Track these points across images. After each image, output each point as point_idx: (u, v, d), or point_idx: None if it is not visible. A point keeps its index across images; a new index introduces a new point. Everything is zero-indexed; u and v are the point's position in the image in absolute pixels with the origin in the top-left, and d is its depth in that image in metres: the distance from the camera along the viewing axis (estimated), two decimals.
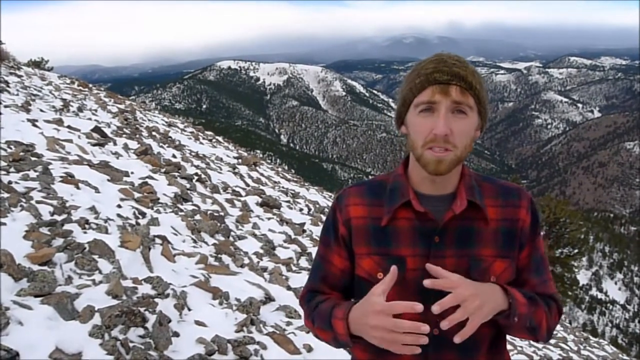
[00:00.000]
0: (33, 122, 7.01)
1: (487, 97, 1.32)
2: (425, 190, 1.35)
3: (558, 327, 12.14)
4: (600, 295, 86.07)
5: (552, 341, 9.46)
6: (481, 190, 1.36)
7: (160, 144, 9.43)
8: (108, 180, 5.39)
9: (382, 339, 1.16)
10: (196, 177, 7.44)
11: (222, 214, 6.19)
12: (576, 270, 21.44)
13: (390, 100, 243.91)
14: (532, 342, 8.03)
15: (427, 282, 1.19)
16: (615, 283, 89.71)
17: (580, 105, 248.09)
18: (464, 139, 1.26)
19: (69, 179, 4.79)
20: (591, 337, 15.29)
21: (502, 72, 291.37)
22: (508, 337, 1.52)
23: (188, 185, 6.79)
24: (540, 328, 1.33)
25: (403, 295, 1.28)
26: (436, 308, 1.15)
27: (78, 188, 4.66)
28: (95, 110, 10.70)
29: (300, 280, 4.85)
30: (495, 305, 1.22)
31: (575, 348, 10.11)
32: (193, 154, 10.04)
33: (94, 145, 7.13)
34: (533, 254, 1.38)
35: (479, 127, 1.33)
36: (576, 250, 20.51)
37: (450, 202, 1.33)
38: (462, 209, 1.30)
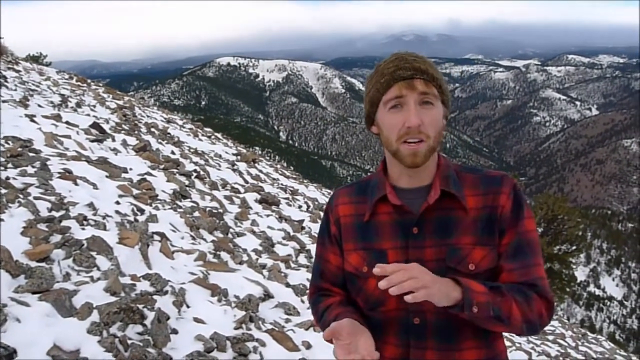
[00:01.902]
0: (31, 117, 6.99)
1: (447, 86, 1.37)
2: (403, 184, 1.39)
3: (556, 323, 12.18)
4: (598, 292, 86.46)
5: (550, 337, 9.48)
6: (461, 180, 1.39)
7: (159, 141, 9.41)
8: (106, 176, 5.37)
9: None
10: (195, 174, 7.42)
11: (220, 210, 6.18)
12: (574, 266, 21.45)
13: None
14: (528, 337, 8.05)
15: (382, 284, 1.17)
16: (613, 279, 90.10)
17: (578, 103, 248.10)
18: (435, 128, 1.31)
19: (67, 175, 4.78)
20: (589, 333, 15.33)
21: (500, 69, 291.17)
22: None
23: (187, 182, 6.78)
24: (511, 318, 1.26)
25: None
26: (377, 270, 1.18)
27: (76, 184, 4.65)
28: (94, 106, 10.67)
29: (299, 277, 4.85)
30: (446, 290, 1.20)
31: (574, 344, 10.13)
32: (192, 150, 10.03)
33: (93, 141, 7.11)
34: (515, 238, 1.34)
35: (444, 116, 1.37)
36: (574, 247, 20.52)
37: (427, 193, 1.36)
38: (435, 198, 1.33)
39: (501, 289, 1.28)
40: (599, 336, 16.85)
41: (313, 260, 1.62)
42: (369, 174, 1.56)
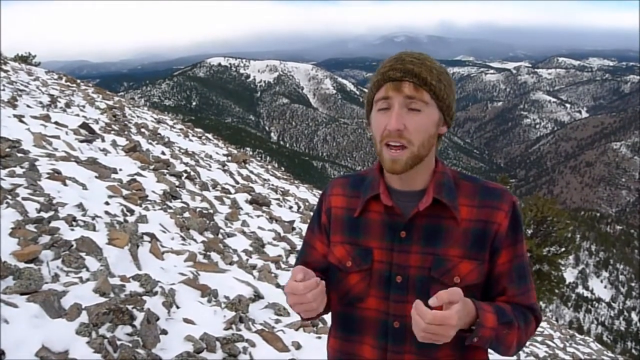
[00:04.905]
0: (20, 117, 6.94)
1: (449, 92, 1.31)
2: (396, 185, 1.36)
3: (544, 324, 12.28)
4: (586, 293, 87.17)
5: (539, 339, 9.55)
6: (458, 189, 1.35)
7: (149, 141, 9.37)
8: (96, 177, 5.35)
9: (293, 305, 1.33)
10: (185, 175, 7.40)
11: (211, 211, 6.17)
12: (563, 268, 21.60)
13: None
14: None
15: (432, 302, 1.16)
16: (601, 281, 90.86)
17: (568, 105, 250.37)
18: (420, 135, 1.26)
19: (56, 175, 4.75)
20: (577, 335, 15.47)
21: (491, 71, 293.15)
22: None
23: (177, 183, 6.76)
24: (505, 347, 1.29)
25: (368, 284, 1.35)
26: (433, 301, 1.15)
27: (65, 185, 4.62)
28: (83, 107, 10.61)
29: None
30: (461, 323, 1.18)
31: (562, 345, 10.22)
32: (182, 151, 10.00)
33: (82, 141, 7.07)
34: (513, 260, 1.34)
35: (442, 123, 1.33)
36: (563, 249, 20.65)
37: (420, 198, 1.33)
38: (426, 206, 1.31)
39: (512, 322, 1.28)
40: (586, 337, 17.00)
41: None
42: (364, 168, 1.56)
